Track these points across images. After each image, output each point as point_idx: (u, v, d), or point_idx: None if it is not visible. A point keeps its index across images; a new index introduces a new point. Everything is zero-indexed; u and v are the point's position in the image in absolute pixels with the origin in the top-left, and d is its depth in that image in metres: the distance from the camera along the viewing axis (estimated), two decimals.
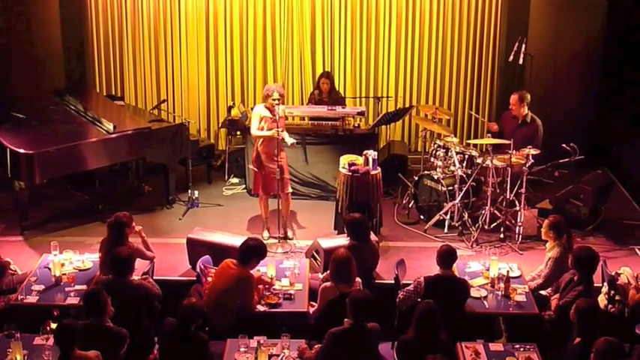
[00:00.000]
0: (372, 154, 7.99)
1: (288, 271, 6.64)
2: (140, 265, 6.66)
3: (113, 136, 8.24)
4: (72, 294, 6.36)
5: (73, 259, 6.82)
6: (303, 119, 9.85)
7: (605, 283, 6.49)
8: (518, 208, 8.04)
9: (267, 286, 6.38)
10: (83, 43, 10.25)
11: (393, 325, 6.24)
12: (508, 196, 8.04)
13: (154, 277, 6.68)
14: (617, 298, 6.30)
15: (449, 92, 10.55)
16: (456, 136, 9.18)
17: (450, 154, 8.37)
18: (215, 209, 8.89)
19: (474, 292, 6.36)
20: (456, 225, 8.23)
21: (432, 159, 8.58)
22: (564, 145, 8.01)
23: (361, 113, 9.15)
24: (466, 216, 8.22)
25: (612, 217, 8.52)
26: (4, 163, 7.92)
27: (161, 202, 8.92)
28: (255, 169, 7.96)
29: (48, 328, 5.73)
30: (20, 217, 8.19)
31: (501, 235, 8.07)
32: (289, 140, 7.98)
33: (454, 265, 6.33)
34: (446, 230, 8.25)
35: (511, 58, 9.35)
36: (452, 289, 6.10)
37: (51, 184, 8.64)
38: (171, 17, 10.27)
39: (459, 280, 6.25)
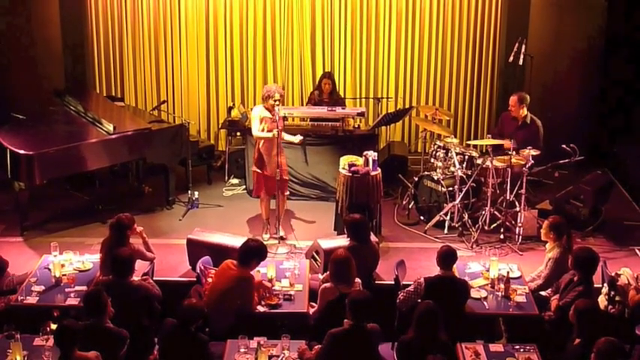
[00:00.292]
0: (372, 154, 7.99)
1: (288, 272, 6.64)
2: (140, 265, 6.66)
3: (113, 136, 8.24)
4: (72, 295, 6.36)
5: (73, 260, 6.81)
6: (304, 120, 9.85)
7: (605, 284, 6.49)
8: (518, 208, 8.04)
9: (267, 293, 6.36)
10: (83, 43, 10.25)
11: (393, 325, 6.24)
12: (508, 197, 8.04)
13: (154, 278, 6.67)
14: (617, 298, 6.30)
15: (449, 93, 10.55)
16: (456, 136, 9.19)
17: (450, 154, 8.37)
18: (215, 210, 8.89)
19: (474, 293, 6.36)
20: (456, 226, 8.23)
21: (432, 160, 8.58)
22: (564, 146, 8.00)
23: (361, 114, 9.16)
24: (466, 217, 8.22)
25: (612, 217, 8.52)
26: (4, 164, 7.92)
27: (161, 202, 8.91)
28: (259, 171, 7.95)
29: (48, 328, 5.72)
30: (20, 217, 8.19)
31: (501, 236, 8.07)
32: (296, 138, 8.01)
33: (454, 265, 6.33)
34: (446, 231, 8.25)
35: (511, 58, 9.34)
36: (452, 290, 6.09)
37: (51, 185, 8.63)
38: (171, 17, 10.27)
39: (459, 280, 6.25)
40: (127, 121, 8.67)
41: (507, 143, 8.05)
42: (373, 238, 7.16)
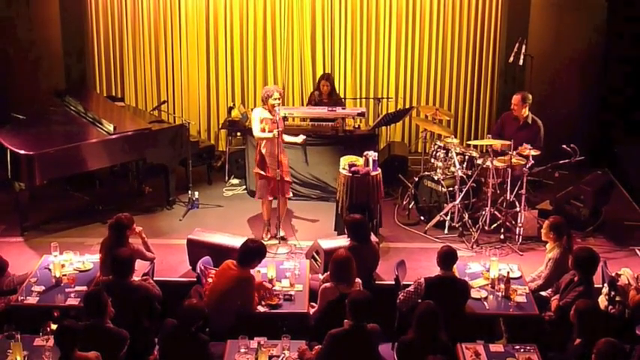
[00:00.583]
0: (372, 155, 7.99)
1: (289, 272, 6.64)
2: (140, 266, 6.66)
3: (113, 137, 8.24)
4: (72, 295, 6.36)
5: (74, 260, 6.82)
6: (304, 120, 9.85)
7: (606, 284, 6.48)
8: (518, 209, 8.03)
9: (267, 293, 6.35)
10: (83, 43, 10.25)
11: (393, 326, 6.24)
12: (508, 197, 8.04)
13: (154, 278, 6.67)
14: (617, 299, 6.29)
15: (449, 93, 10.55)
16: (456, 137, 9.18)
17: (450, 155, 8.36)
18: (215, 210, 8.89)
19: (474, 293, 6.36)
20: (457, 226, 8.22)
21: (433, 160, 8.58)
22: (564, 146, 8.00)
23: (361, 114, 9.16)
24: (466, 217, 8.21)
25: (612, 218, 8.52)
26: (5, 164, 7.92)
27: (161, 203, 8.91)
28: (261, 172, 7.94)
29: (48, 329, 5.72)
30: (20, 218, 8.18)
31: (501, 236, 8.06)
32: (299, 138, 8.02)
33: (454, 266, 6.33)
34: (446, 231, 8.25)
35: (511, 59, 9.34)
36: (452, 290, 6.10)
37: (51, 185, 8.63)
38: (172, 17, 10.27)
39: (459, 281, 6.25)
40: (127, 122, 8.67)
41: (505, 144, 8.08)
42: (373, 238, 7.16)
